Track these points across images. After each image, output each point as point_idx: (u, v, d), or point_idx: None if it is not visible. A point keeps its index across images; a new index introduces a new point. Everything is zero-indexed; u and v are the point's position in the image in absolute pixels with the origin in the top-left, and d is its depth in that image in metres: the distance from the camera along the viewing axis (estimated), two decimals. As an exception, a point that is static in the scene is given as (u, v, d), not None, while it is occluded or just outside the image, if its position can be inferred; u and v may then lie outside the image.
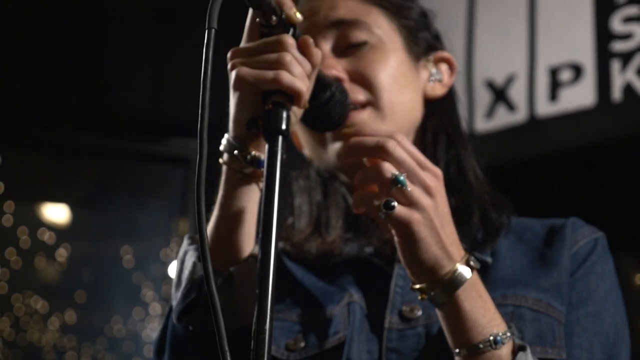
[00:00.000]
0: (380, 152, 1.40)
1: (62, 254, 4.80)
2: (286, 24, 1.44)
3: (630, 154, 3.61)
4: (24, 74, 4.13)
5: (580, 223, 1.75)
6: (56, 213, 4.91)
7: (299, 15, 1.45)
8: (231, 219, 1.51)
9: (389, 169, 1.38)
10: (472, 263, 1.43)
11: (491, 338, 1.41)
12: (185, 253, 1.58)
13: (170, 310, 1.59)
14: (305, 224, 1.78)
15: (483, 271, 1.64)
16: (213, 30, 1.27)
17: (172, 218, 4.80)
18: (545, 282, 1.62)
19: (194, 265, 1.54)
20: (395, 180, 1.37)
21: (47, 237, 4.76)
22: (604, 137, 3.43)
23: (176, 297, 1.55)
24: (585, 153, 3.62)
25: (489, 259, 1.67)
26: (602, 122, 3.42)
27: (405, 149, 1.41)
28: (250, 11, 1.46)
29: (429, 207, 1.39)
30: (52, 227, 4.81)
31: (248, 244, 1.54)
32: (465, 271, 1.41)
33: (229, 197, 1.50)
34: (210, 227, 1.53)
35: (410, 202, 1.38)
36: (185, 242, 1.61)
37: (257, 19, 1.45)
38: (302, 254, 1.72)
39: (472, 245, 1.67)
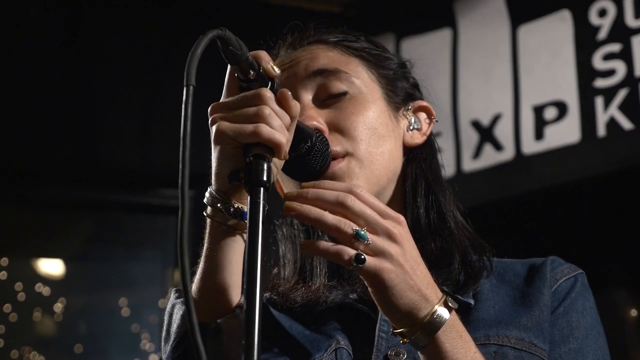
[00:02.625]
0: (340, 207, 1.40)
1: (58, 307, 4.79)
2: (264, 78, 1.47)
3: (618, 187, 3.64)
4: (13, 130, 4.16)
5: (560, 261, 1.77)
6: (51, 267, 4.91)
7: (276, 69, 1.48)
8: (217, 271, 1.53)
9: (349, 225, 1.38)
10: (449, 303, 1.44)
11: None
12: (173, 306, 1.60)
13: (160, 364, 1.61)
14: (290, 272, 1.80)
15: (466, 313, 1.66)
16: (191, 87, 1.30)
17: (166, 267, 4.80)
18: (527, 320, 1.64)
19: (183, 318, 1.55)
20: (356, 235, 1.38)
21: (42, 291, 4.76)
22: (590, 172, 3.46)
23: (165, 350, 1.57)
24: (572, 189, 3.65)
25: (472, 301, 1.69)
26: (589, 157, 3.46)
27: (364, 201, 1.41)
28: (229, 67, 1.49)
29: (397, 254, 1.40)
30: (47, 281, 4.80)
31: (235, 294, 1.55)
32: (443, 312, 1.42)
33: (214, 249, 1.52)
34: (196, 280, 1.55)
35: (376, 253, 1.39)
36: (173, 295, 1.63)
37: (236, 74, 1.48)
38: (288, 302, 1.73)
39: (455, 287, 1.69)
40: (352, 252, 1.37)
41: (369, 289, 1.42)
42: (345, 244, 1.39)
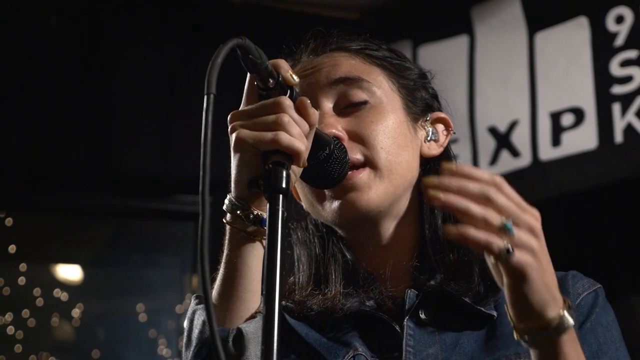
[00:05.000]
0: (484, 200, 1.39)
1: (76, 313, 4.82)
2: (284, 86, 1.49)
3: (635, 193, 3.63)
4: (32, 137, 4.19)
5: (580, 276, 1.77)
6: (69, 273, 4.94)
7: (295, 77, 1.50)
8: (236, 277, 1.54)
9: (496, 217, 1.37)
10: (572, 307, 1.44)
11: None
12: (194, 312, 1.61)
13: (182, 369, 1.62)
14: (305, 279, 1.80)
15: (491, 326, 1.66)
16: (212, 96, 1.31)
17: (184, 273, 4.82)
18: None
19: (204, 323, 1.57)
20: (504, 228, 1.37)
21: (61, 296, 4.79)
22: (608, 179, 3.46)
23: (187, 356, 1.58)
24: (589, 195, 3.64)
25: (494, 313, 1.68)
26: (606, 164, 3.45)
27: (506, 194, 1.41)
28: (249, 75, 1.51)
29: (538, 249, 1.39)
30: (65, 287, 4.83)
31: (254, 300, 1.57)
32: (569, 317, 1.42)
33: (234, 256, 1.54)
34: (216, 286, 1.56)
35: (519, 246, 1.38)
36: (193, 301, 1.64)
37: (255, 82, 1.50)
38: (304, 310, 1.73)
39: (475, 299, 1.68)
40: (502, 243, 1.36)
41: (505, 281, 1.41)
42: (490, 233, 1.37)
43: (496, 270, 1.42)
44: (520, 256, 1.36)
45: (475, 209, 1.37)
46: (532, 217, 1.41)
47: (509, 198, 1.40)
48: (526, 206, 1.42)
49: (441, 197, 1.37)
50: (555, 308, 1.41)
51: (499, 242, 1.35)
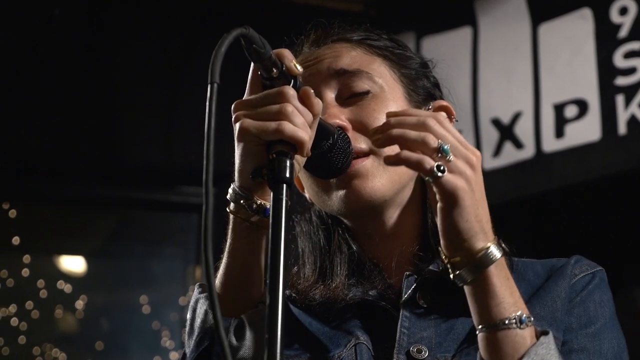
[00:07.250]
0: (422, 128, 1.43)
1: (79, 304, 4.82)
2: (287, 76, 1.49)
3: (639, 185, 3.63)
4: (36, 129, 4.19)
5: (582, 259, 1.77)
6: (73, 264, 4.95)
7: (299, 67, 1.50)
8: (239, 267, 1.55)
9: (433, 138, 1.42)
10: (503, 245, 1.48)
11: (518, 314, 1.45)
12: (197, 301, 1.62)
13: (183, 358, 1.63)
14: (310, 270, 1.80)
15: None
16: (215, 85, 1.31)
17: (188, 265, 4.83)
18: (540, 309, 1.64)
19: (206, 313, 1.57)
20: (439, 149, 1.41)
21: (64, 288, 4.79)
22: (611, 170, 3.46)
23: (189, 344, 1.59)
24: (593, 187, 3.65)
25: None
26: (609, 155, 3.45)
27: (446, 127, 1.45)
28: (252, 65, 1.51)
29: (472, 179, 1.43)
30: (69, 279, 4.84)
31: (257, 290, 1.58)
32: (497, 250, 1.44)
33: (237, 245, 1.55)
34: (219, 275, 1.57)
35: (454, 171, 1.42)
36: (196, 290, 1.65)
37: (259, 72, 1.50)
38: (307, 300, 1.73)
39: None
40: (433, 161, 1.40)
41: (438, 205, 1.44)
42: (427, 154, 1.42)
43: (433, 197, 1.45)
44: (452, 178, 1.41)
45: (411, 133, 1.43)
46: (472, 153, 1.45)
47: (448, 131, 1.45)
48: (468, 145, 1.46)
49: (380, 136, 1.44)
50: (483, 240, 1.44)
51: (430, 160, 1.40)
